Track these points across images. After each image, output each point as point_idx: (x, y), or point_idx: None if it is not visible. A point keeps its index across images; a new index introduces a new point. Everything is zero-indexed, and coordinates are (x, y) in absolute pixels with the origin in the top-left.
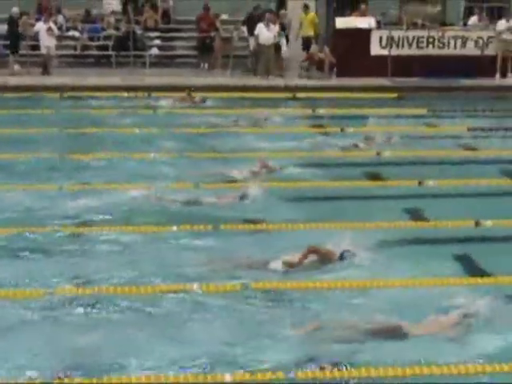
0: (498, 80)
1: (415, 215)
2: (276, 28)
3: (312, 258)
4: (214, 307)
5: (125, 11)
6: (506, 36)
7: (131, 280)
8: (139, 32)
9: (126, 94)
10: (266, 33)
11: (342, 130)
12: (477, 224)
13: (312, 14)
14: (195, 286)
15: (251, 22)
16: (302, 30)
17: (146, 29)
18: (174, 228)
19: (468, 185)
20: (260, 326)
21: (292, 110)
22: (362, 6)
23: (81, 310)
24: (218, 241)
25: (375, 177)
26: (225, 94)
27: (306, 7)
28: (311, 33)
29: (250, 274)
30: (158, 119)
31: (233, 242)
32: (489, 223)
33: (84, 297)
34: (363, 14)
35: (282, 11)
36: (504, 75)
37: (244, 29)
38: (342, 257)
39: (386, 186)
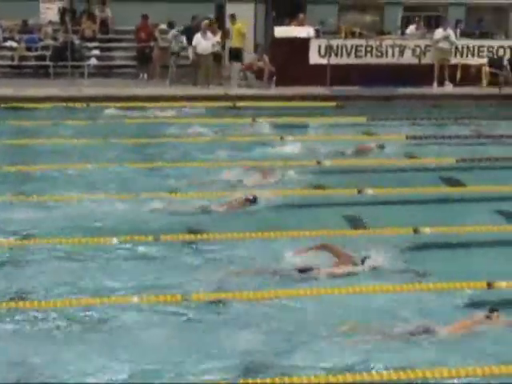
0: (435, 88)
1: (354, 223)
2: (216, 37)
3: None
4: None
5: (62, 21)
6: (442, 45)
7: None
8: (77, 42)
9: (64, 105)
10: (203, 42)
11: (281, 138)
12: (415, 231)
13: (239, 24)
14: (135, 298)
15: (190, 32)
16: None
17: (84, 39)
18: (114, 240)
19: (407, 192)
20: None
21: (232, 120)
22: (300, 15)
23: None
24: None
25: (316, 186)
26: (165, 104)
27: (232, 17)
28: (238, 44)
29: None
30: (98, 129)
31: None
32: (427, 230)
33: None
34: (301, 23)
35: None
36: (441, 83)
37: (183, 38)
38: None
39: (325, 194)
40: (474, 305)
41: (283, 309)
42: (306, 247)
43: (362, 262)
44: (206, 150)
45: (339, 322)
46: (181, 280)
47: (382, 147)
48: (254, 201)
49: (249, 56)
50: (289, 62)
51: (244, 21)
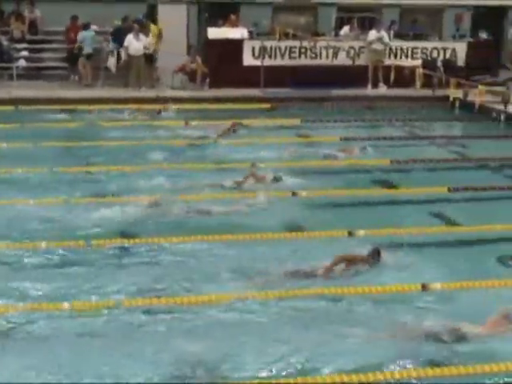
0: (369, 90)
1: (289, 226)
2: (148, 39)
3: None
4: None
5: None
6: (376, 46)
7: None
8: (5, 43)
9: None
10: (135, 43)
11: (215, 141)
12: (350, 234)
13: (156, 27)
14: (66, 304)
15: (119, 33)
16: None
17: (13, 40)
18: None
19: (341, 195)
20: None
21: (164, 122)
22: (232, 17)
23: None
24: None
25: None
26: (97, 107)
27: (147, 20)
28: (155, 46)
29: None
30: (27, 132)
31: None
32: (361, 233)
33: None
34: (234, 25)
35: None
36: (375, 85)
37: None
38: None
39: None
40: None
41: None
42: (326, 265)
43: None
44: (139, 153)
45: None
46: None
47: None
48: None
49: (180, 58)
50: (222, 63)
51: (176, 22)
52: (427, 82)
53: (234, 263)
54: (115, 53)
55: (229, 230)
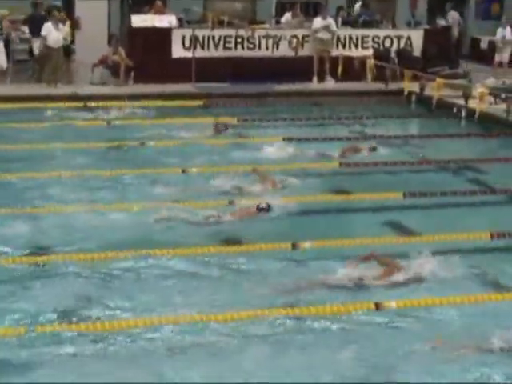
0: (315, 84)
1: (228, 240)
2: (66, 27)
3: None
4: None
5: None
6: (322, 35)
7: None
8: None
9: None
10: (55, 34)
11: (141, 144)
12: (293, 247)
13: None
14: None
15: (34, 22)
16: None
17: None
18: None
19: (284, 202)
20: None
21: (82, 123)
22: (158, 2)
23: None
24: None
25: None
26: (5, 105)
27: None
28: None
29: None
30: None
31: None
32: (307, 245)
33: None
34: (161, 11)
35: None
36: (322, 79)
37: (25, 29)
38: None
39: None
40: None
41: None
42: (355, 259)
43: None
44: (60, 157)
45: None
46: None
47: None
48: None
49: (100, 49)
50: (148, 55)
51: (95, 7)
52: (379, 75)
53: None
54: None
55: None
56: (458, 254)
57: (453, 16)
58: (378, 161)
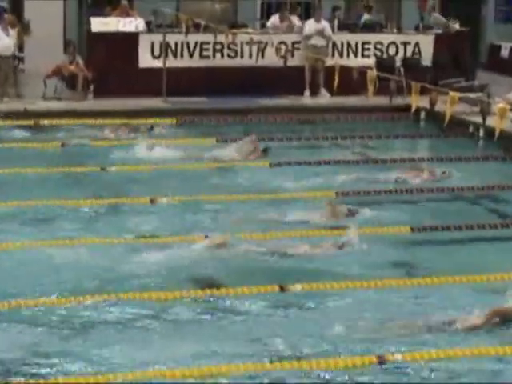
0: (307, 98)
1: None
2: (15, 32)
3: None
4: None
5: None
6: (315, 41)
7: None
8: None
9: None
10: (5, 39)
11: (102, 169)
12: (281, 289)
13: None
14: None
15: None
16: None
17: None
18: None
19: (268, 238)
20: None
21: (31, 144)
22: (123, 2)
23: None
24: None
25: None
26: None
27: None
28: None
29: None
30: None
31: None
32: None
33: None
34: (126, 13)
35: None
36: (315, 92)
37: None
38: None
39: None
40: None
41: None
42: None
43: None
44: (6, 184)
45: None
46: None
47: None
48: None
49: (55, 58)
50: (111, 65)
51: (49, 9)
52: (382, 88)
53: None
54: None
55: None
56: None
57: None
58: (382, 189)
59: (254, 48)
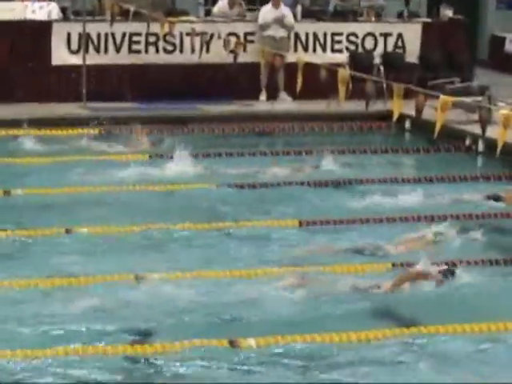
0: (263, 104)
1: None
2: None
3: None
4: None
5: None
6: (273, 32)
7: None
8: None
9: None
10: None
11: (6, 192)
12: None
13: None
14: None
15: None
16: None
17: None
18: None
19: None
20: None
21: None
22: None
23: None
24: None
25: None
26: None
27: None
28: None
29: None
30: None
31: None
32: None
33: None
34: None
35: None
36: (273, 96)
37: None
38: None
39: None
40: None
41: None
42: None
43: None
44: None
45: None
46: None
47: None
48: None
49: None
50: (16, 62)
51: None
52: (357, 91)
53: None
54: None
55: None
56: None
57: None
58: (357, 217)
59: (197, 40)
